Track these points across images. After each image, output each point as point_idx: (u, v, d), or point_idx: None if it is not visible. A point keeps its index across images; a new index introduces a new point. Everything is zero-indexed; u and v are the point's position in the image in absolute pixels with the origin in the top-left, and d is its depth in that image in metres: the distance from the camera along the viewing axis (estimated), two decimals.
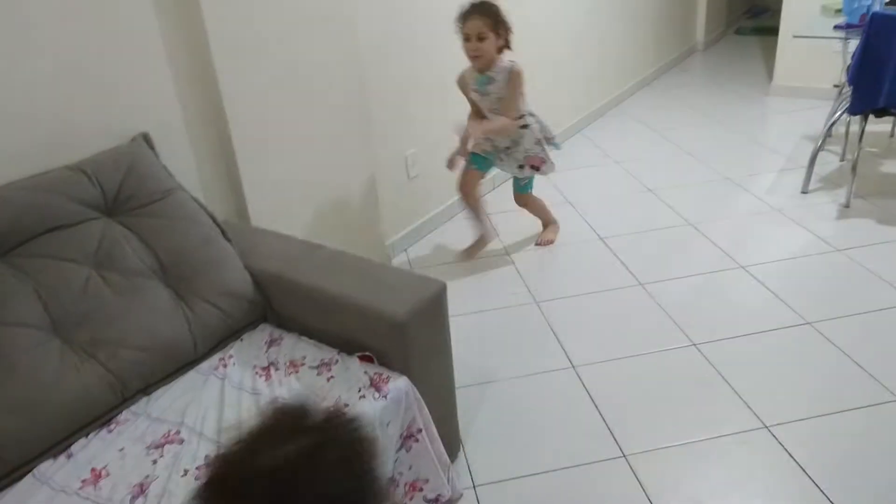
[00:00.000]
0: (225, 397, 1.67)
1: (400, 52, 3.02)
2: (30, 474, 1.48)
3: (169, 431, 1.56)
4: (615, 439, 2.08)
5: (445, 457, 1.81)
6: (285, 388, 1.67)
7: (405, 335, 1.69)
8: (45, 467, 1.50)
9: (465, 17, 2.66)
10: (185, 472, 1.45)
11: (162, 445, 1.53)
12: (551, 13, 4.13)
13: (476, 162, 3.06)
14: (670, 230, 3.37)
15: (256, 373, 1.74)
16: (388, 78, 2.98)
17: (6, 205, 1.67)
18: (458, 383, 1.97)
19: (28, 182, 1.73)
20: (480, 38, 2.63)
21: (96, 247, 1.75)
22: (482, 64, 2.71)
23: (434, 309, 1.78)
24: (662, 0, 5.69)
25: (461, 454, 2.06)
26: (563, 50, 4.35)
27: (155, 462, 1.49)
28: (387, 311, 1.69)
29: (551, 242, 3.28)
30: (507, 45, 2.74)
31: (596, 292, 2.87)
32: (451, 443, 1.95)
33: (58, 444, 1.53)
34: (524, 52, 3.82)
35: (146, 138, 2.01)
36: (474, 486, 1.96)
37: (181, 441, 1.54)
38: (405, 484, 1.72)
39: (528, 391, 2.32)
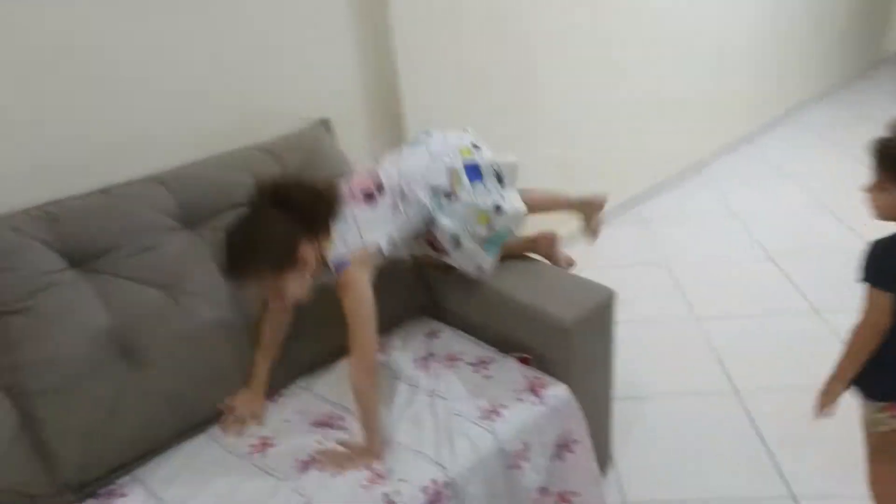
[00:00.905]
0: (382, 386, 1.68)
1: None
2: (205, 433, 1.57)
3: (332, 413, 1.60)
4: (784, 478, 1.90)
5: (598, 471, 1.74)
6: (442, 382, 1.66)
7: (569, 342, 1.63)
8: (218, 430, 1.58)
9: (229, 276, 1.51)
10: (343, 444, 1.47)
11: (324, 425, 1.56)
12: (724, 13, 3.88)
13: None
14: (851, 253, 3.07)
15: (415, 364, 1.74)
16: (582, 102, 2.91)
17: (198, 180, 1.77)
18: None
19: (219, 159, 1.83)
20: (276, 292, 1.51)
21: None
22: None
23: (601, 317, 1.70)
24: (851, 6, 5.21)
25: (611, 469, 1.96)
26: (734, 54, 4.08)
27: (316, 434, 1.53)
28: (552, 315, 1.64)
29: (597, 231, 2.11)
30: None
31: (762, 315, 2.66)
32: (603, 457, 1.87)
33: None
34: (681, 55, 3.63)
35: (326, 124, 2.07)
36: None
37: (342, 421, 1.57)
38: (555, 494, 1.66)
39: (684, 411, 2.18)
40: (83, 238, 1.57)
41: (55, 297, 1.47)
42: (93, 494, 1.43)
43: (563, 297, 1.69)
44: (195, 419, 1.57)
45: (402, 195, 1.63)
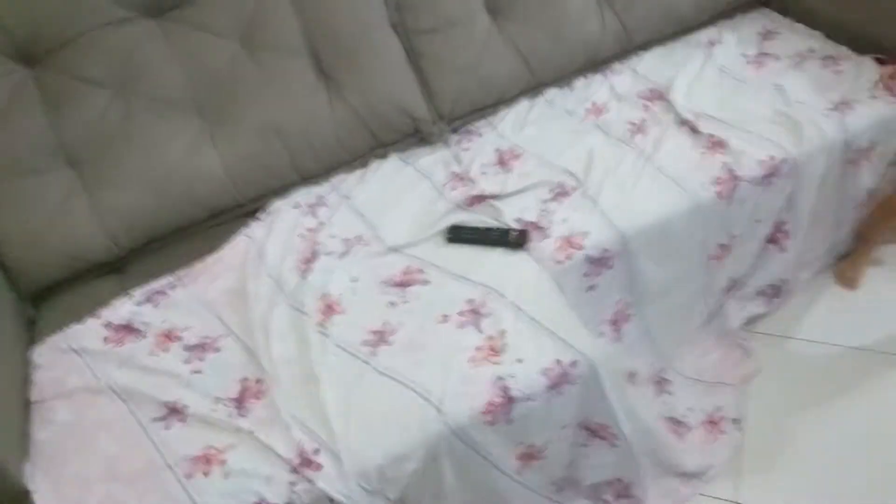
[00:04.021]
0: (703, 74, 1.67)
1: None
2: (542, 96, 1.70)
3: (655, 89, 1.64)
4: None
5: None
6: (786, 77, 1.60)
7: None
8: (555, 93, 1.71)
9: None
10: (675, 118, 1.55)
11: (651, 99, 1.62)
12: None
13: None
14: None
15: (747, 60, 1.69)
16: None
17: None
18: None
19: None
20: None
21: None
22: None
23: None
24: None
25: None
26: None
27: (646, 108, 1.60)
28: None
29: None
30: None
31: None
32: None
33: (563, 78, 1.72)
34: None
35: None
36: None
37: (662, 97, 1.61)
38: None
39: None
40: None
41: None
42: (457, 130, 1.66)
43: None
44: (545, 79, 1.69)
45: None
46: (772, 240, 1.55)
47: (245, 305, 1.32)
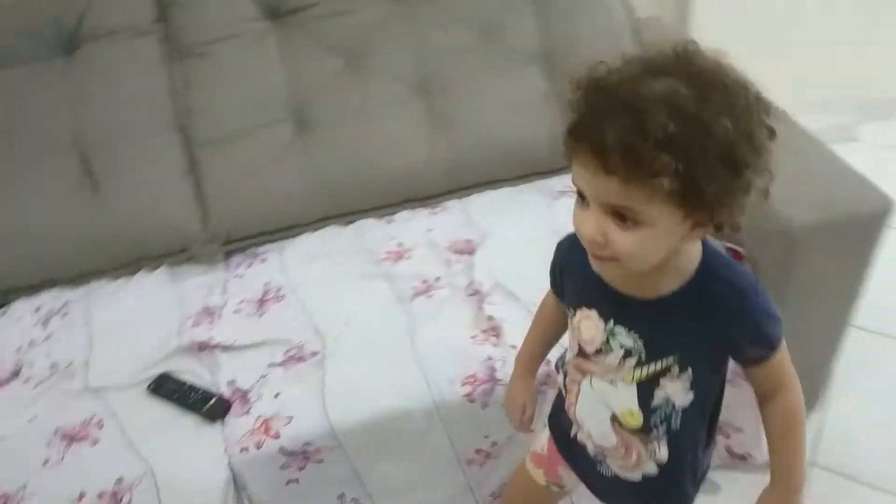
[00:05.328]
0: (530, 233, 1.39)
1: None
2: (353, 224, 1.51)
3: (471, 240, 1.42)
4: None
5: None
6: None
7: (793, 255, 1.20)
8: (369, 224, 1.51)
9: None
10: (470, 283, 1.33)
11: (460, 252, 1.40)
12: None
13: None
14: None
15: None
16: None
17: None
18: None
19: None
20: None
21: (492, 13, 1.55)
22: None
23: (857, 230, 1.20)
24: None
25: (815, 414, 1.55)
26: None
27: (448, 264, 1.38)
28: (777, 213, 1.19)
29: None
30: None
31: None
32: (808, 398, 1.46)
33: (384, 208, 1.52)
34: None
35: None
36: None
37: (472, 252, 1.39)
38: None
39: None
40: None
41: (239, 46, 1.44)
42: (239, 251, 1.48)
43: (806, 191, 1.21)
44: (347, 207, 1.50)
45: None
46: None
47: None
